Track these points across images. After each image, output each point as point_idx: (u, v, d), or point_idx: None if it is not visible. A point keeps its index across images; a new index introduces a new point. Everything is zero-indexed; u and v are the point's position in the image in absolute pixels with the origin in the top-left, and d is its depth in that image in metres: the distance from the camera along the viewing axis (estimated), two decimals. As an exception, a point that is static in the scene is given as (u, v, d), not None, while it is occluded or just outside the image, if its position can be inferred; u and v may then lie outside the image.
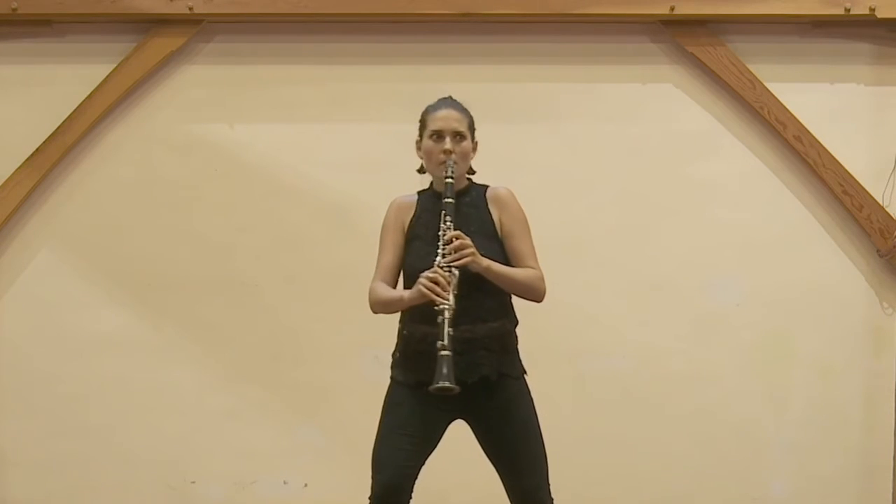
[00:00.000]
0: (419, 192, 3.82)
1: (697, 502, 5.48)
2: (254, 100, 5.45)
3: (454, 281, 3.51)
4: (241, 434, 5.44)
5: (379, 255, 3.76)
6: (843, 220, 5.45)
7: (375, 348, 5.30)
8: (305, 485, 5.47)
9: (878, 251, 5.43)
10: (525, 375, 3.73)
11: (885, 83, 5.46)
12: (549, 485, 3.68)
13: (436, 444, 3.71)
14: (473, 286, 3.56)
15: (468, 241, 3.54)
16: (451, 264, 3.51)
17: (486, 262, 3.57)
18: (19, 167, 5.34)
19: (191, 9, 5.28)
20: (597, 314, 5.42)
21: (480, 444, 3.72)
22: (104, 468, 5.42)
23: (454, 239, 3.53)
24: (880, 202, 5.42)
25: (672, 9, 5.30)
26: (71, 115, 5.33)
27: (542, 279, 3.70)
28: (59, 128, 5.33)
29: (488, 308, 3.62)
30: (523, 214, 3.75)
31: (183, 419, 5.44)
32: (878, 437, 5.46)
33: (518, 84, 5.44)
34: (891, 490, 5.45)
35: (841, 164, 5.38)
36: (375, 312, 3.76)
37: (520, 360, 3.74)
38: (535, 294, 3.70)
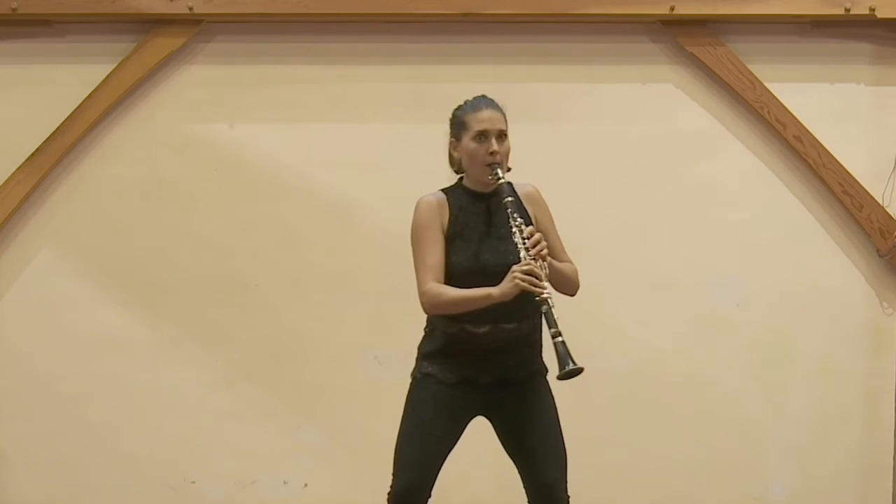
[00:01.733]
0: (444, 191, 3.74)
1: (697, 502, 5.49)
2: (254, 100, 5.44)
3: (545, 272, 3.49)
4: (241, 434, 5.44)
5: (423, 255, 3.62)
6: (843, 220, 5.45)
7: (375, 348, 5.32)
8: (305, 485, 5.47)
9: (878, 251, 5.43)
10: (546, 372, 3.74)
11: (885, 83, 5.45)
12: (566, 481, 3.67)
13: (457, 442, 3.70)
14: None
15: (541, 235, 3.55)
16: (537, 256, 3.49)
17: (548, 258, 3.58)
18: (19, 167, 5.33)
19: (191, 9, 5.28)
20: (597, 314, 5.40)
21: (501, 438, 3.71)
22: (104, 468, 5.42)
23: (531, 234, 3.52)
24: (880, 202, 5.42)
25: (672, 9, 5.30)
26: (71, 115, 5.32)
27: (578, 273, 3.74)
28: (59, 128, 5.32)
29: (526, 303, 3.54)
30: (550, 211, 3.79)
31: (183, 419, 5.44)
32: (878, 437, 5.46)
33: (518, 84, 5.42)
34: (891, 490, 5.45)
35: (841, 164, 5.38)
36: (434, 314, 3.64)
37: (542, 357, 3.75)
38: (575, 288, 3.75)
